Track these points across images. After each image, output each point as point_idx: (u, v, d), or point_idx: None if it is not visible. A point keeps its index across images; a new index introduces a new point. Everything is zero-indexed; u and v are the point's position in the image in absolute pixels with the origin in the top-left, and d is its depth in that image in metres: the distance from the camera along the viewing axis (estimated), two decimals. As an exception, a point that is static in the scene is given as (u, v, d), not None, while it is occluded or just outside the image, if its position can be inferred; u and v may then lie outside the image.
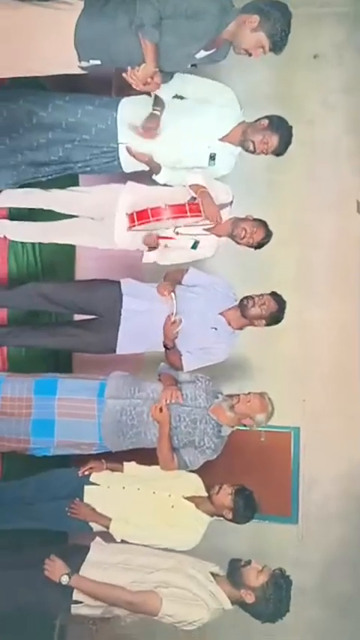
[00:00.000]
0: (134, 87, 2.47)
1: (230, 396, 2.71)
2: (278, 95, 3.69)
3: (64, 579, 2.35)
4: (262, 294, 2.83)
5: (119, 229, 2.80)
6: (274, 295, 2.85)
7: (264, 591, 2.37)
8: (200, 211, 2.67)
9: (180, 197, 2.73)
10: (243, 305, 2.84)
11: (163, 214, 2.65)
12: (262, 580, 2.38)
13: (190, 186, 2.69)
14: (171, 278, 2.95)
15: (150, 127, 2.55)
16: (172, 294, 2.79)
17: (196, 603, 2.34)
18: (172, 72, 2.60)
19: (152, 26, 2.36)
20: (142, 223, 2.68)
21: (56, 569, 2.37)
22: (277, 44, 2.46)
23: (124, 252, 2.96)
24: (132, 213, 2.70)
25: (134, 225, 2.70)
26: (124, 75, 2.46)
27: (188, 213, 2.68)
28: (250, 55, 2.50)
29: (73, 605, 2.40)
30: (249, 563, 2.43)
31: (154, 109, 2.52)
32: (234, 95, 2.71)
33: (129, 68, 2.44)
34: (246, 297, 2.86)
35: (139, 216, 2.68)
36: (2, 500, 2.78)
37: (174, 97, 2.58)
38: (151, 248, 2.79)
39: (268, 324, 2.86)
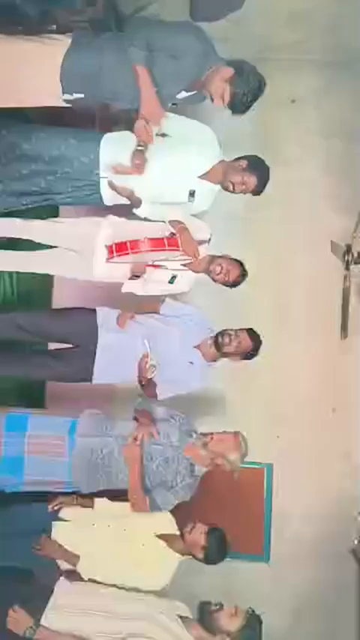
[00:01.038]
0: (145, 141, 2.56)
1: (204, 434, 2.68)
2: (257, 136, 3.79)
3: (29, 633, 2.27)
4: (237, 331, 2.85)
5: (98, 262, 2.81)
6: (250, 332, 2.87)
7: (241, 635, 2.34)
8: (178, 245, 2.70)
9: (159, 232, 2.75)
10: (218, 341, 2.85)
11: (142, 247, 2.67)
12: (237, 624, 2.35)
13: (169, 221, 2.72)
14: (148, 308, 2.96)
15: (138, 163, 2.59)
16: (146, 341, 2.79)
17: None
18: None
19: (144, 53, 2.43)
20: (121, 255, 2.70)
21: (20, 621, 2.28)
22: (236, 104, 2.55)
23: (102, 283, 2.96)
24: (111, 245, 2.72)
25: (112, 257, 2.72)
26: (137, 126, 2.52)
27: (166, 247, 2.70)
28: (212, 100, 2.58)
29: None
30: (221, 607, 2.39)
31: (139, 145, 2.56)
32: (214, 134, 2.77)
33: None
34: (221, 333, 2.87)
35: (118, 248, 2.69)
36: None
37: (157, 134, 2.63)
38: (135, 276, 2.80)
39: (243, 359, 2.89)
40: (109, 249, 2.72)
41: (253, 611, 2.41)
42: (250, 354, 2.88)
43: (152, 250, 2.70)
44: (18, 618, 2.28)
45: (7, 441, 2.65)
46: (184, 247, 2.68)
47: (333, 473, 3.88)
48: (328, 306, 3.96)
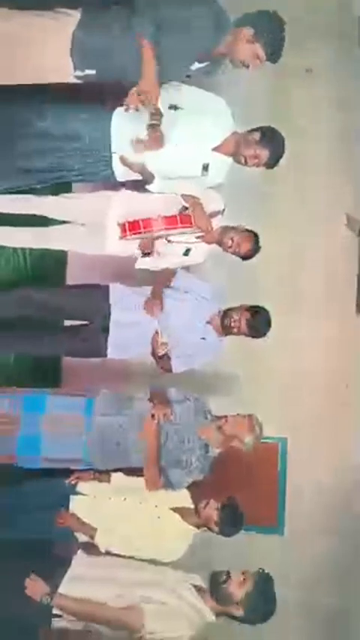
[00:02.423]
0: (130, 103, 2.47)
1: (218, 417, 2.69)
2: (271, 108, 3.71)
3: (45, 600, 2.32)
4: (240, 315, 2.81)
5: (111, 237, 2.81)
6: (253, 312, 2.83)
7: (250, 600, 2.37)
8: (191, 222, 2.68)
9: (172, 206, 2.73)
10: (224, 323, 2.85)
11: (155, 225, 2.66)
12: (246, 590, 2.38)
13: (182, 195, 2.69)
14: (161, 281, 2.94)
15: (155, 136, 2.55)
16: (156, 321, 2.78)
17: (179, 619, 2.33)
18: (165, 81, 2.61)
19: (151, 30, 2.38)
20: (134, 234, 2.69)
21: (37, 588, 2.33)
22: (274, 54, 2.50)
23: (116, 258, 2.97)
24: (124, 223, 2.70)
25: (126, 236, 2.70)
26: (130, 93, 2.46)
27: (179, 224, 2.69)
28: (247, 66, 2.53)
29: (53, 619, 2.38)
30: (229, 576, 2.41)
31: (152, 120, 2.52)
32: (227, 106, 2.72)
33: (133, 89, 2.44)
34: (225, 315, 2.85)
35: (131, 227, 2.69)
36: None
37: (169, 107, 2.59)
38: (146, 254, 2.79)
39: (253, 337, 2.87)
40: (122, 227, 2.70)
41: (262, 570, 2.44)
42: (258, 333, 2.86)
43: (166, 228, 2.69)
44: (35, 585, 2.34)
45: (24, 421, 2.69)
46: (198, 222, 2.66)
47: (346, 447, 3.89)
48: (342, 281, 3.91)
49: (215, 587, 2.42)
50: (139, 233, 2.68)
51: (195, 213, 2.66)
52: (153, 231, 2.67)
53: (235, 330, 2.84)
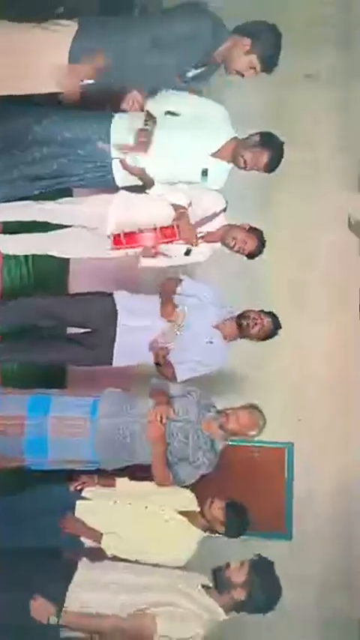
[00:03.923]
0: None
1: (219, 413, 2.69)
2: (270, 114, 3.75)
3: (53, 620, 2.30)
4: (259, 314, 2.85)
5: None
6: (271, 315, 2.88)
7: (251, 582, 2.38)
8: (175, 235, 2.71)
9: (171, 213, 2.75)
10: (242, 324, 2.86)
11: (148, 242, 2.70)
12: (244, 573, 2.39)
13: (172, 204, 2.73)
14: (167, 290, 2.95)
15: (142, 141, 2.58)
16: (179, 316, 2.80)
17: (190, 619, 2.31)
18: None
19: (149, 40, 2.45)
20: (130, 247, 2.72)
21: (42, 610, 2.31)
22: (269, 65, 2.56)
23: (118, 264, 2.98)
24: (119, 234, 2.72)
25: (122, 247, 2.73)
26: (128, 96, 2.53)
27: (178, 236, 2.72)
28: (242, 75, 2.60)
29: (61, 630, 2.36)
30: (228, 565, 2.43)
31: (145, 124, 2.55)
32: (225, 112, 2.75)
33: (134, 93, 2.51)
34: (245, 317, 2.87)
35: (128, 240, 2.71)
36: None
37: (167, 113, 2.62)
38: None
39: (262, 340, 2.91)
40: (116, 239, 2.72)
41: (261, 557, 2.44)
42: (269, 337, 2.90)
43: (164, 241, 2.72)
44: (39, 607, 2.31)
45: (30, 423, 2.69)
46: (182, 234, 2.70)
47: (353, 451, 3.87)
48: (347, 284, 3.92)
49: (215, 575, 2.43)
50: (136, 247, 2.72)
51: (180, 224, 2.69)
52: (142, 245, 2.70)
53: (257, 329, 2.84)
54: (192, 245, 2.75)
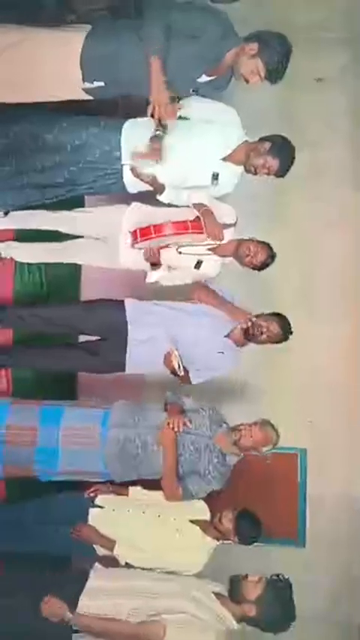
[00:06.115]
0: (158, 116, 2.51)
1: (233, 429, 2.67)
2: (281, 117, 3.73)
3: (67, 617, 2.29)
4: (267, 320, 2.84)
5: (123, 248, 2.83)
6: (280, 318, 2.85)
7: (263, 601, 2.34)
8: (201, 228, 2.68)
9: (184, 217, 2.74)
10: (249, 332, 2.85)
11: (166, 230, 2.67)
12: (259, 590, 2.36)
13: (193, 204, 2.71)
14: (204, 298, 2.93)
15: (155, 148, 2.57)
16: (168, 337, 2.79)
17: (201, 628, 2.30)
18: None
19: (160, 42, 2.41)
20: (145, 240, 2.70)
21: (54, 610, 2.30)
22: (273, 74, 2.53)
23: (129, 273, 2.97)
24: (135, 230, 2.72)
25: (137, 242, 2.72)
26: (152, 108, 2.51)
27: (190, 229, 2.70)
28: (247, 81, 2.57)
29: (74, 635, 2.35)
30: (245, 577, 2.40)
31: (157, 131, 2.55)
32: (237, 115, 2.73)
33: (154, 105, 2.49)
34: (252, 324, 2.85)
35: (142, 233, 2.70)
36: (4, 523, 2.75)
37: (178, 117, 2.60)
38: (154, 265, 2.80)
39: (273, 343, 2.88)
40: (133, 234, 2.72)
41: (278, 576, 2.40)
42: (280, 339, 2.88)
43: (176, 234, 2.69)
44: (52, 606, 2.31)
45: (42, 433, 2.69)
46: (208, 229, 2.67)
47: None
48: (357, 286, 3.89)
49: (231, 584, 2.40)
50: (151, 239, 2.69)
51: (206, 220, 2.66)
52: (165, 236, 2.68)
53: (264, 337, 2.83)
54: (218, 241, 2.72)
